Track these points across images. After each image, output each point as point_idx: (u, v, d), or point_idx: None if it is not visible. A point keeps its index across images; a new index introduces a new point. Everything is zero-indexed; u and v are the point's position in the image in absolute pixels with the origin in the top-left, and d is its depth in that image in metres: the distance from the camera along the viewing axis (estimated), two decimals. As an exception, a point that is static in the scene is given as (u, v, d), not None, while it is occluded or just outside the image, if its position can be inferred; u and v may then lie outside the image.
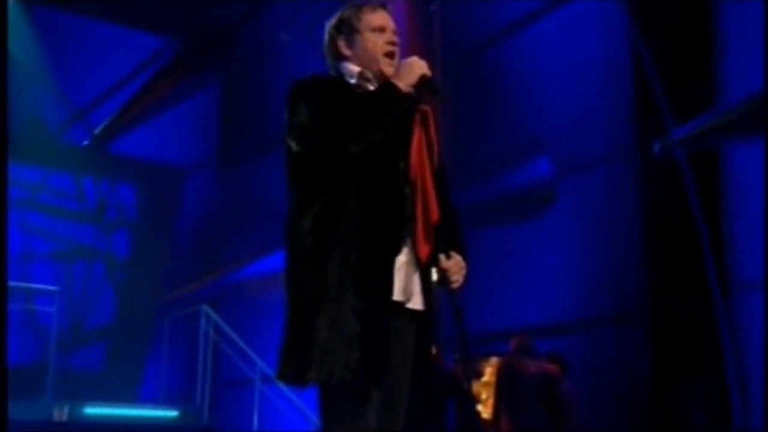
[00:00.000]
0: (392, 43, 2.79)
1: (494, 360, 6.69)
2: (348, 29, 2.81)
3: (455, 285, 2.72)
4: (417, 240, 2.67)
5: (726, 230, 6.37)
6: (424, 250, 2.68)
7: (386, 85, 2.70)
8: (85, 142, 11.08)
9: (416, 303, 2.70)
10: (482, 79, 7.74)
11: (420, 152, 2.71)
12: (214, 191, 10.94)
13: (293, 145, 2.68)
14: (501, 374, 6.12)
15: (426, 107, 2.75)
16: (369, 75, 2.78)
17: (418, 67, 2.71)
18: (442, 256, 2.71)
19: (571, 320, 7.10)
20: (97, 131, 11.00)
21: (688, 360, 6.34)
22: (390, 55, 2.79)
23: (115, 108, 10.87)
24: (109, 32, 10.18)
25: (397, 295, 2.64)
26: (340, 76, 2.81)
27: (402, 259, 2.66)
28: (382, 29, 2.80)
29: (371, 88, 2.76)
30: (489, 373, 6.82)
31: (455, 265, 2.72)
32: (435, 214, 2.68)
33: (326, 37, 2.86)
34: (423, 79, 2.70)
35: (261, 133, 9.84)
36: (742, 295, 6.34)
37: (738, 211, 6.39)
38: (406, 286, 2.66)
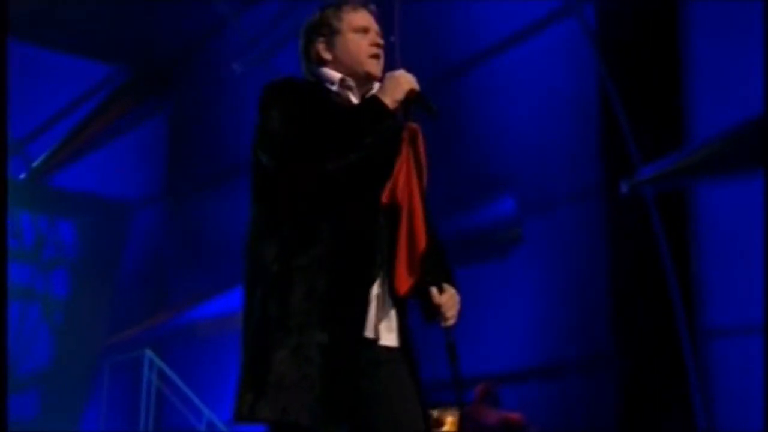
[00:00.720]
0: (377, 45, 2.68)
1: (455, 409, 6.69)
2: (328, 30, 2.68)
3: (450, 322, 2.59)
4: (398, 271, 2.54)
5: (695, 273, 6.49)
6: (405, 282, 2.55)
7: (371, 100, 2.58)
8: (23, 175, 10.96)
9: (389, 339, 2.57)
10: (444, 113, 7.79)
11: (408, 173, 2.59)
12: (162, 227, 10.89)
13: (263, 157, 2.54)
14: (462, 425, 6.10)
15: (414, 125, 2.63)
16: (351, 83, 2.65)
17: (405, 81, 2.59)
18: (434, 290, 2.57)
19: (537, 366, 7.15)
20: (35, 164, 10.86)
21: (657, 407, 6.40)
22: (375, 57, 2.66)
23: (55, 139, 10.73)
24: (53, 60, 10.14)
25: (368, 331, 2.52)
26: (319, 82, 2.67)
27: (374, 291, 2.54)
28: (365, 30, 2.69)
29: (353, 97, 2.65)
30: (450, 422, 6.81)
31: (450, 300, 2.58)
32: (422, 242, 2.55)
33: (302, 39, 2.74)
34: (411, 94, 2.58)
35: (212, 165, 9.88)
36: (713, 341, 6.46)
37: (708, 253, 6.51)
38: (377, 321, 2.54)
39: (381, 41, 2.70)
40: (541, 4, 7.29)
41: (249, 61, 8.39)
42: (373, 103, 2.57)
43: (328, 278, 2.50)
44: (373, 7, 2.75)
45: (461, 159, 7.60)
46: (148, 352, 8.62)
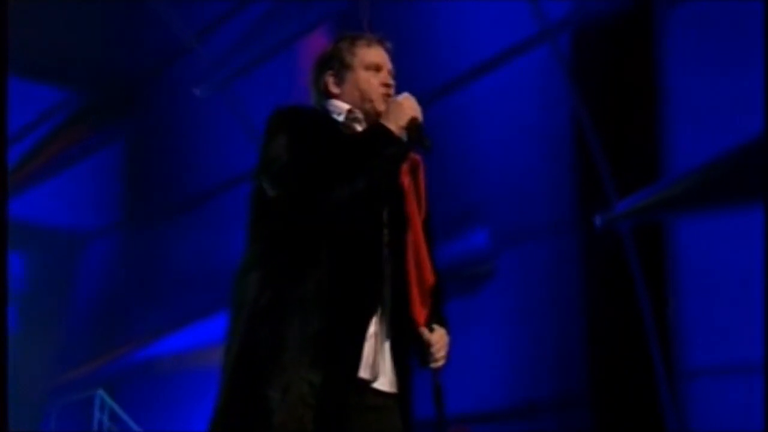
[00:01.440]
0: (387, 85, 2.70)
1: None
2: (339, 64, 2.72)
3: (440, 363, 2.62)
4: (413, 302, 2.56)
5: (672, 310, 6.55)
6: (421, 314, 2.57)
7: (377, 126, 2.60)
8: (-31, 204, 10.86)
9: (384, 384, 2.56)
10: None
11: (412, 206, 2.63)
12: (117, 259, 10.85)
13: (266, 183, 2.55)
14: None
15: (416, 156, 2.67)
16: (359, 114, 2.68)
17: (410, 107, 2.61)
18: (424, 329, 2.59)
19: (509, 406, 7.18)
20: (-17, 191, 10.81)
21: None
22: (385, 96, 2.68)
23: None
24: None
25: (362, 372, 2.50)
26: (326, 113, 2.70)
27: (371, 329, 2.53)
28: (377, 67, 2.72)
29: (359, 129, 2.66)
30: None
31: (440, 340, 2.62)
32: (430, 275, 2.59)
33: (314, 70, 2.78)
34: (413, 123, 2.60)
35: (172, 194, 9.87)
36: (691, 381, 6.52)
37: (686, 290, 6.59)
38: (373, 361, 2.53)
39: (392, 81, 2.73)
40: (513, 31, 7.39)
41: (211, 87, 8.46)
42: (378, 130, 2.59)
43: (326, 313, 2.48)
44: (389, 44, 2.79)
45: (431, 190, 7.60)
46: (100, 392, 8.58)
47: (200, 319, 8.35)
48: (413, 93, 2.69)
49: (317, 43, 8.16)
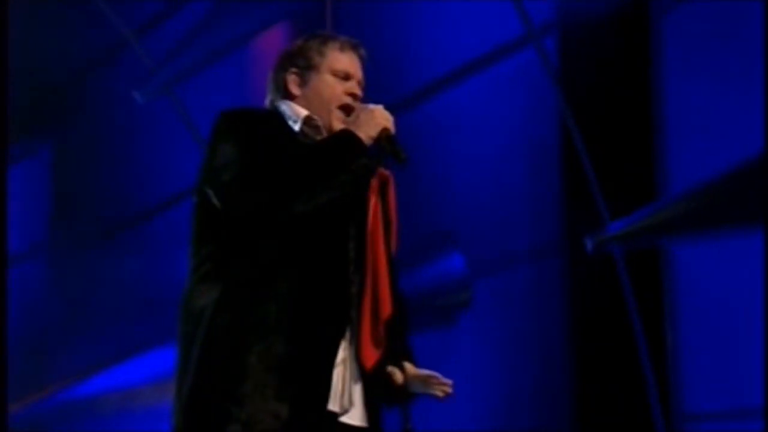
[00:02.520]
0: (353, 96, 2.75)
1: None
2: (304, 63, 2.76)
3: (448, 389, 2.71)
4: (363, 342, 2.56)
5: (671, 346, 6.59)
6: (372, 355, 2.58)
7: (346, 133, 2.62)
8: None
9: (354, 417, 2.59)
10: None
11: (375, 227, 2.64)
12: (45, 286, 10.73)
13: (213, 197, 2.55)
14: None
15: (386, 171, 2.70)
16: (318, 122, 2.71)
17: (381, 117, 2.66)
18: (394, 369, 2.65)
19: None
20: None
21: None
22: (346, 109, 2.73)
23: None
24: None
25: (331, 404, 2.52)
26: (280, 116, 2.72)
27: (339, 355, 2.56)
28: (346, 75, 2.76)
29: (317, 138, 2.68)
30: None
31: (416, 378, 2.69)
32: (387, 307, 2.59)
33: (276, 65, 2.81)
34: (384, 134, 2.64)
35: (108, 211, 9.79)
36: (691, 426, 6.58)
37: (686, 323, 6.64)
38: (342, 391, 2.55)
39: (359, 93, 2.78)
40: (493, 33, 7.41)
41: (153, 90, 8.36)
42: (345, 138, 2.62)
43: (290, 337, 2.48)
44: (363, 51, 2.83)
45: (401, 208, 7.57)
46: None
47: (145, 350, 8.33)
48: (380, 101, 2.74)
49: (273, 42, 8.19)
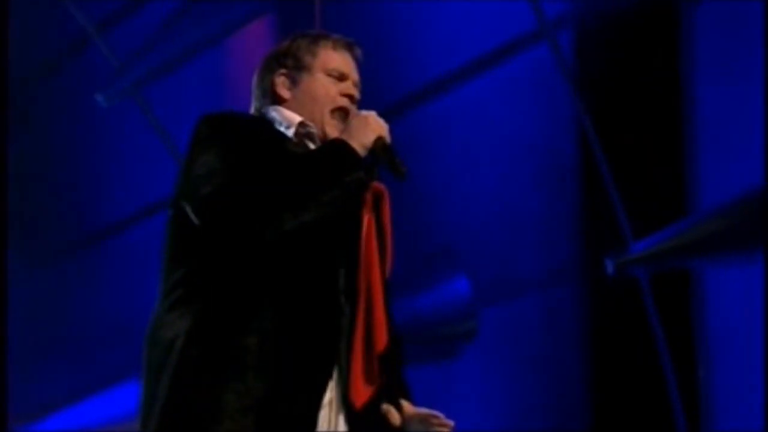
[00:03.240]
0: (350, 98, 2.75)
1: None
2: (294, 63, 2.76)
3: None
4: (353, 378, 2.54)
5: (701, 376, 6.49)
6: (363, 393, 2.55)
7: (337, 144, 2.59)
8: None
9: None
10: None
11: (369, 249, 2.62)
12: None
13: (191, 211, 2.53)
14: None
15: (380, 185, 2.69)
16: (313, 129, 2.69)
17: (375, 124, 2.64)
18: (389, 408, 2.61)
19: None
20: None
21: None
22: (341, 112, 2.72)
23: None
24: None
25: None
26: (269, 122, 2.70)
27: (326, 395, 2.53)
28: (341, 76, 2.76)
29: (311, 145, 2.67)
30: None
31: (414, 417, 2.68)
32: (382, 340, 2.57)
33: (262, 66, 2.81)
34: (379, 143, 2.63)
35: (69, 228, 9.68)
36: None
37: (717, 351, 6.52)
38: None
39: (357, 94, 2.77)
40: (500, 28, 7.30)
41: (118, 92, 8.28)
42: (338, 148, 2.58)
43: (272, 374, 2.44)
44: (359, 51, 2.83)
45: (399, 225, 7.52)
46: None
47: (111, 385, 8.29)
48: (374, 106, 2.73)
49: (255, 40, 8.09)
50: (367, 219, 2.64)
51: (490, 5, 7.31)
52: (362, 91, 2.88)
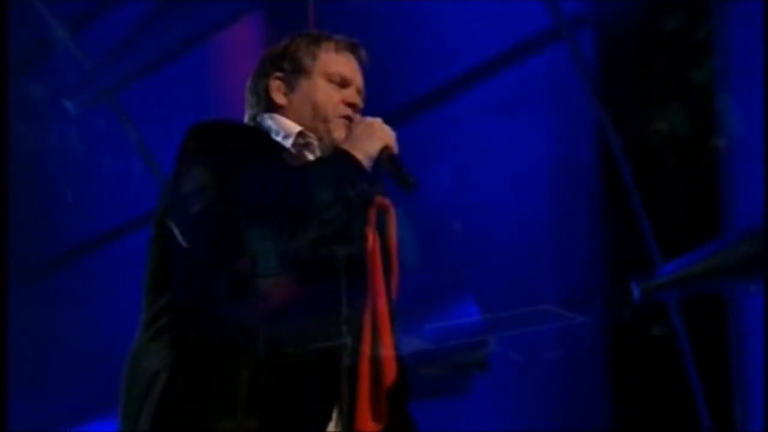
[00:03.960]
0: (353, 106, 2.75)
1: None
2: (292, 66, 2.76)
3: None
4: (360, 414, 2.51)
5: (739, 415, 6.44)
6: (371, 429, 2.52)
7: (340, 155, 2.58)
8: None
9: None
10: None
11: (375, 272, 2.59)
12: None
13: (178, 230, 2.50)
14: None
15: (385, 200, 2.68)
16: (313, 140, 2.68)
17: (381, 132, 2.63)
18: None
19: None
20: None
21: None
22: (345, 119, 2.72)
23: None
24: None
25: None
26: (265, 132, 2.69)
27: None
28: (344, 81, 2.78)
29: (311, 157, 2.66)
30: None
31: None
32: (391, 373, 2.55)
33: (256, 70, 2.82)
34: (385, 153, 2.61)
35: (42, 245, 9.69)
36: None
37: (757, 384, 6.46)
38: None
39: (360, 103, 2.78)
40: (513, 26, 7.27)
41: (90, 98, 8.27)
42: (340, 158, 2.57)
43: (262, 414, 2.40)
44: (364, 53, 2.85)
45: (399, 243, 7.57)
46: None
47: (87, 416, 8.30)
48: (377, 113, 2.74)
49: (240, 41, 8.07)
50: (371, 237, 2.62)
51: (498, 5, 7.26)
52: (367, 96, 2.88)
